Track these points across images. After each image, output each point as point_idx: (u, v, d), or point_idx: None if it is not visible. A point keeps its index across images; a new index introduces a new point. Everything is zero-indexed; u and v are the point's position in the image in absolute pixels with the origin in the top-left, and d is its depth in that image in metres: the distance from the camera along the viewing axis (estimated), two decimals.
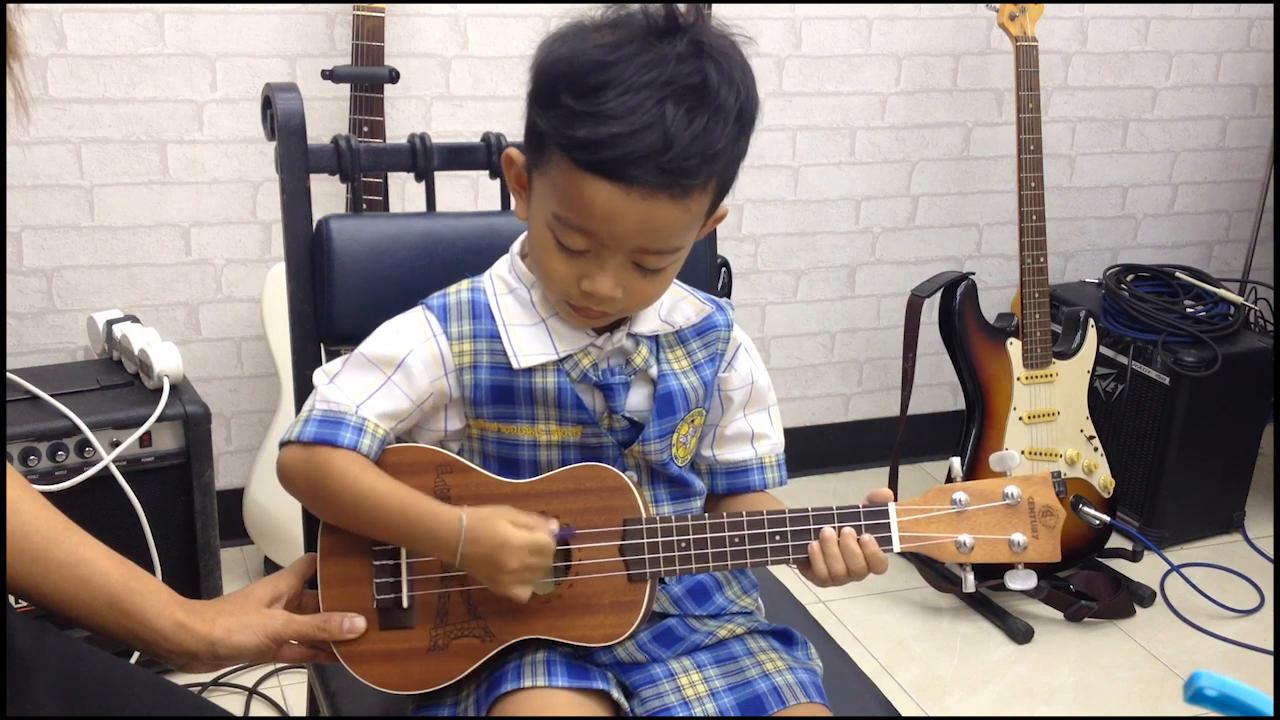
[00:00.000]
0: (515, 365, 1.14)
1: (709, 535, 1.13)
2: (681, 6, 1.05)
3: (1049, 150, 2.74)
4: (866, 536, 1.13)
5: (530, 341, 1.15)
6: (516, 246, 1.20)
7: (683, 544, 1.13)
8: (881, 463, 2.86)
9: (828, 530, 1.12)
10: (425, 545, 1.12)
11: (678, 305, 1.21)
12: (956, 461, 1.20)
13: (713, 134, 1.03)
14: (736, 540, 1.13)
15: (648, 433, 1.17)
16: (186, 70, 2.27)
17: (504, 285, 1.18)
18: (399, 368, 1.14)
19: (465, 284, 1.19)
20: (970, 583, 1.16)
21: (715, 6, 1.09)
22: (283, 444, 1.15)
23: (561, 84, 1.03)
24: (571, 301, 1.11)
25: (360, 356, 1.16)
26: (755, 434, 1.26)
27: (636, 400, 1.18)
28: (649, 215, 1.04)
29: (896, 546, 1.13)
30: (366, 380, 1.14)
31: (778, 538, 1.13)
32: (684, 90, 1.02)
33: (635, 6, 1.06)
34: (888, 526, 1.13)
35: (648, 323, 1.18)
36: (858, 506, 1.14)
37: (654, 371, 1.18)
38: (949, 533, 1.14)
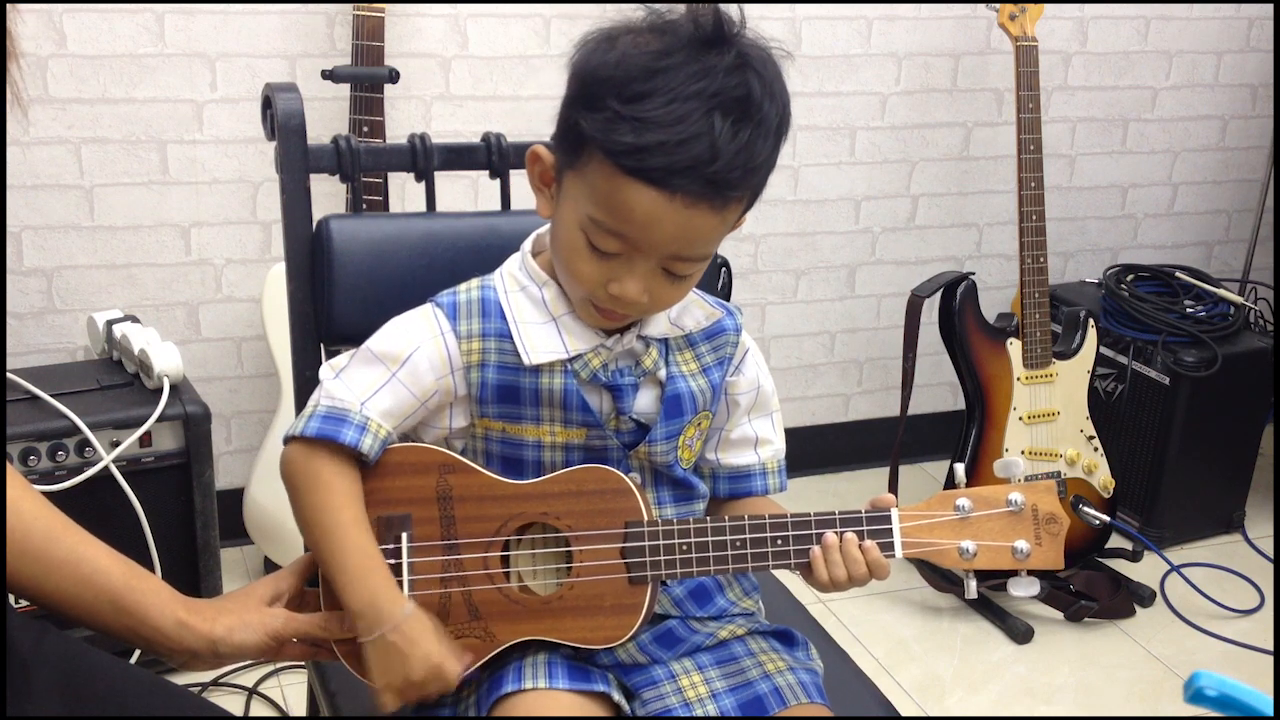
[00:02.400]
0: (526, 362, 1.14)
1: (710, 539, 1.13)
2: (726, 15, 1.05)
3: (1049, 150, 2.75)
4: (869, 542, 1.12)
5: (541, 339, 1.15)
6: (528, 245, 1.20)
7: (684, 547, 1.13)
8: (881, 463, 2.86)
9: (829, 535, 1.12)
10: (357, 603, 1.10)
11: (688, 309, 1.21)
12: (960, 468, 1.19)
13: (755, 147, 1.04)
14: (738, 544, 1.13)
15: (655, 434, 1.17)
16: (186, 70, 2.27)
17: (515, 283, 1.18)
18: (404, 364, 1.14)
19: (475, 282, 1.19)
20: (973, 589, 1.16)
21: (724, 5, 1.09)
22: (287, 439, 1.15)
23: (608, 88, 1.03)
24: (596, 303, 1.12)
25: (367, 352, 1.16)
26: (759, 439, 1.27)
27: (644, 402, 1.18)
28: (688, 224, 1.05)
29: (899, 553, 1.13)
30: (372, 376, 1.14)
31: (779, 542, 1.13)
32: (730, 102, 1.03)
33: (680, 13, 1.06)
34: (890, 532, 1.13)
35: (658, 325, 1.18)
36: (860, 512, 1.14)
37: (662, 374, 1.18)
38: (952, 539, 1.13)
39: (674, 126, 1.01)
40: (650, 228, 1.04)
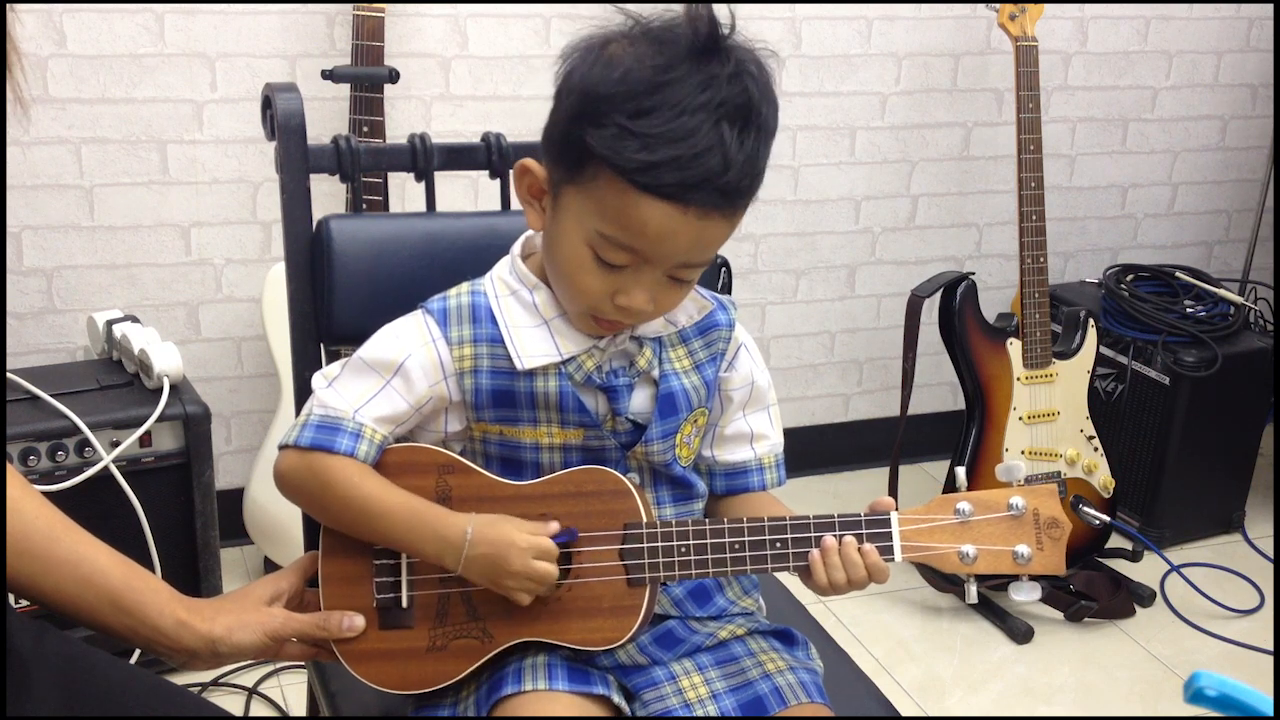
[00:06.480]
0: (519, 367, 1.13)
1: (709, 541, 1.13)
2: (720, 20, 1.05)
3: (1049, 150, 2.74)
4: (868, 546, 1.12)
5: (534, 343, 1.14)
6: (517, 248, 1.20)
7: (683, 549, 1.13)
8: (881, 463, 2.86)
9: (829, 539, 1.12)
10: (430, 548, 1.12)
11: (682, 304, 1.20)
12: (961, 471, 1.19)
13: (759, 152, 1.06)
14: (737, 547, 1.13)
15: (651, 434, 1.17)
16: (186, 70, 2.27)
17: (505, 287, 1.17)
18: (397, 372, 1.14)
19: (465, 287, 1.19)
20: (973, 594, 1.16)
21: (714, 6, 1.09)
22: (281, 448, 1.15)
23: (612, 104, 1.03)
24: (600, 315, 1.11)
25: (359, 361, 1.15)
26: (755, 434, 1.26)
27: (639, 401, 1.18)
28: (701, 233, 1.06)
29: (898, 556, 1.13)
30: (365, 385, 1.14)
31: (778, 544, 1.13)
32: (734, 111, 1.03)
33: (666, 17, 1.06)
34: (889, 536, 1.13)
35: (652, 324, 1.18)
36: (859, 515, 1.14)
37: (656, 372, 1.18)
38: (952, 543, 1.13)
39: (685, 140, 1.01)
40: (664, 241, 1.05)
